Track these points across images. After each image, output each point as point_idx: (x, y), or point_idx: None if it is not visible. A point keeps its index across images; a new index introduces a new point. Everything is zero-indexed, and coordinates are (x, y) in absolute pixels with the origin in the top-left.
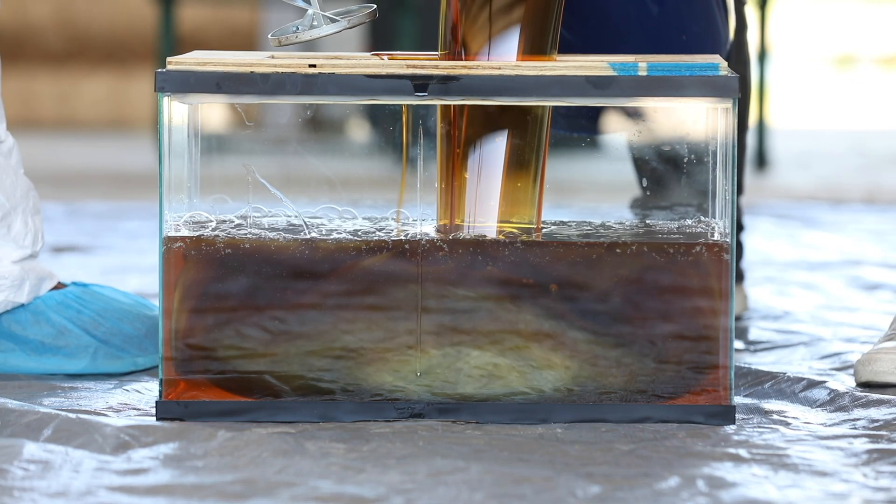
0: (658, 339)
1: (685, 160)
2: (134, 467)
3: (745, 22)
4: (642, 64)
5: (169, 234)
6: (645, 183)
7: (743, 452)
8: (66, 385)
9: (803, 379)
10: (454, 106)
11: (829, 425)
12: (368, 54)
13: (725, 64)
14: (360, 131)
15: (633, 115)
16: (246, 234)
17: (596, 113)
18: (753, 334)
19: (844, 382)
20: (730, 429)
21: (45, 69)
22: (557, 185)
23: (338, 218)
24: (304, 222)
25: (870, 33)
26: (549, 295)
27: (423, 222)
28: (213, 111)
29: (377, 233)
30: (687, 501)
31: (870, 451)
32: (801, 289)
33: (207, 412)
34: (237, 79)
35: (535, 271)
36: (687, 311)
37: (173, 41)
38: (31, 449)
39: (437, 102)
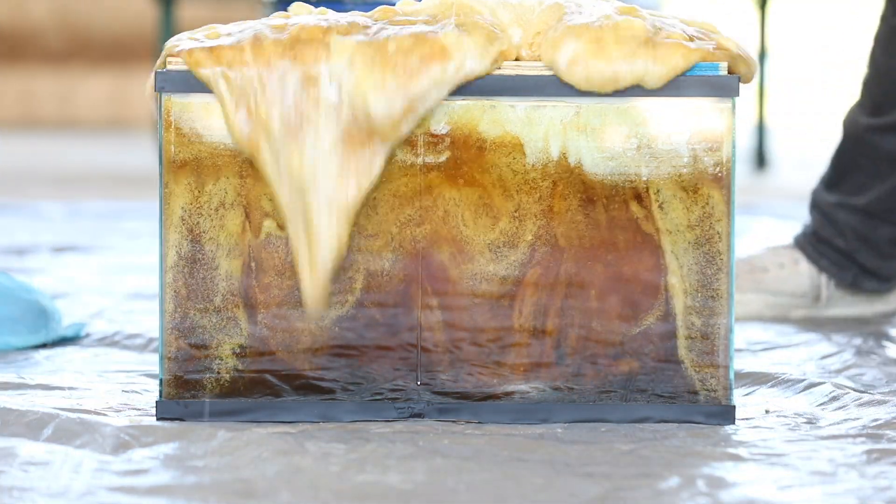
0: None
1: None
2: (134, 467)
3: None
4: None
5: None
6: None
7: (743, 452)
8: (66, 385)
9: (803, 379)
10: None
11: (829, 425)
12: None
13: (726, 64)
14: None
15: None
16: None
17: None
18: (753, 334)
19: (844, 383)
20: (730, 429)
21: (45, 69)
22: None
23: None
24: None
25: (870, 33)
26: None
27: None
28: None
29: None
30: (687, 501)
31: (870, 451)
32: None
33: (207, 412)
34: None
35: None
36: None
37: None
38: (31, 449)
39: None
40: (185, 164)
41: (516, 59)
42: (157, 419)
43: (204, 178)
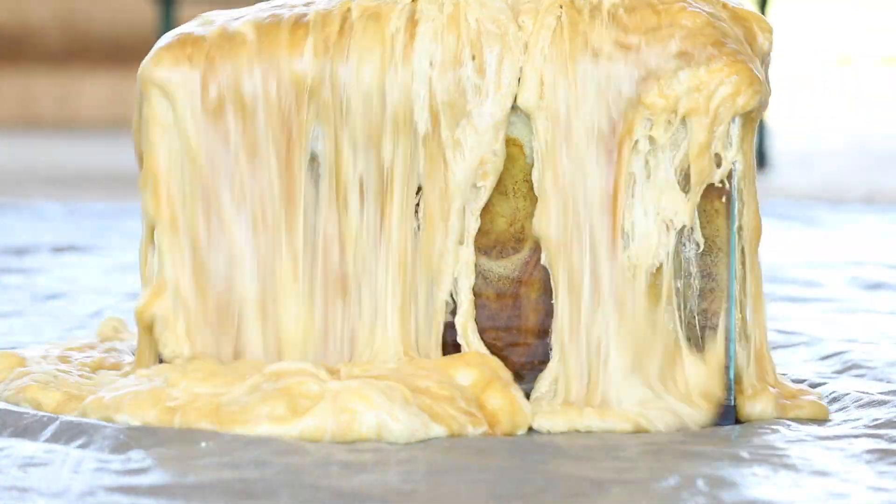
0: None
1: None
2: (134, 467)
3: None
4: None
5: None
6: None
7: (743, 452)
8: None
9: (804, 379)
10: None
11: (830, 425)
12: None
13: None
14: None
15: None
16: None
17: None
18: None
19: (845, 383)
20: (730, 429)
21: (45, 69)
22: None
23: None
24: None
25: (870, 33)
26: None
27: None
28: None
29: None
30: (687, 501)
31: (870, 451)
32: (801, 288)
33: None
34: None
35: None
36: None
37: None
38: (31, 449)
39: None
40: None
41: None
42: None
43: None
